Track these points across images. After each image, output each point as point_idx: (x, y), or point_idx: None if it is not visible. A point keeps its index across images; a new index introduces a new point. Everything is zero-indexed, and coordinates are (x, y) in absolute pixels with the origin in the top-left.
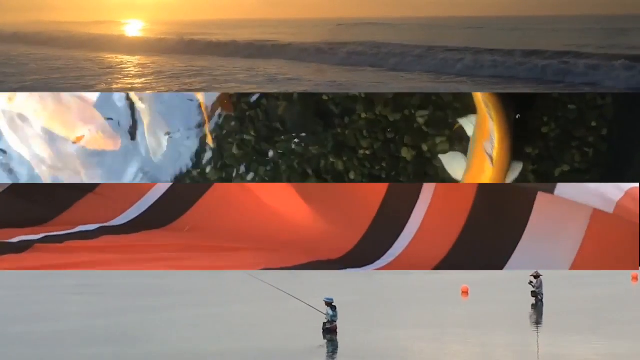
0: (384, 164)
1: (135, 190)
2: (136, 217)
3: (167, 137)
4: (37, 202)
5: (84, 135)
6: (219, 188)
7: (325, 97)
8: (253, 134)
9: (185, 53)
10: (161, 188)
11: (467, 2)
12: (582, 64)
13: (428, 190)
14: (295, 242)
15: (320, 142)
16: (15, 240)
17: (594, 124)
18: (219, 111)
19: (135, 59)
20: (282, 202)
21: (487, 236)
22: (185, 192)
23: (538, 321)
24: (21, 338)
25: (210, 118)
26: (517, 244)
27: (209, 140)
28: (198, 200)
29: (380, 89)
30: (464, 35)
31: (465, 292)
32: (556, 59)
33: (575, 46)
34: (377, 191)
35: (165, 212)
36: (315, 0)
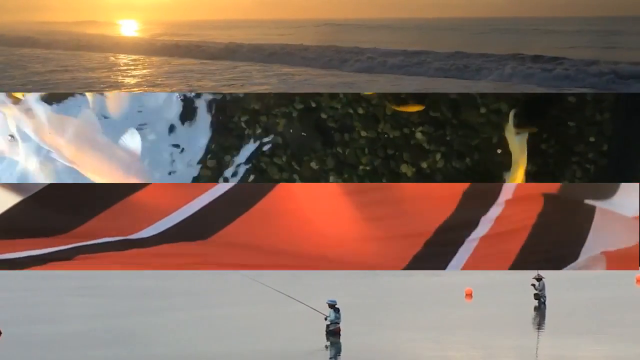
0: (383, 180)
1: (169, 203)
2: (163, 231)
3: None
4: (64, 209)
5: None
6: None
7: (324, 115)
8: (252, 149)
9: (185, 55)
10: (202, 199)
11: (460, 3)
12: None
13: (505, 193)
14: (337, 261)
15: (320, 158)
16: (53, 249)
17: (592, 139)
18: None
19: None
20: (330, 215)
21: (554, 237)
22: (223, 205)
23: (540, 324)
24: (24, 340)
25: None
26: (583, 244)
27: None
28: (240, 216)
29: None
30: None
31: (469, 295)
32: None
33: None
34: (445, 195)
35: (200, 225)
36: (315, 2)
